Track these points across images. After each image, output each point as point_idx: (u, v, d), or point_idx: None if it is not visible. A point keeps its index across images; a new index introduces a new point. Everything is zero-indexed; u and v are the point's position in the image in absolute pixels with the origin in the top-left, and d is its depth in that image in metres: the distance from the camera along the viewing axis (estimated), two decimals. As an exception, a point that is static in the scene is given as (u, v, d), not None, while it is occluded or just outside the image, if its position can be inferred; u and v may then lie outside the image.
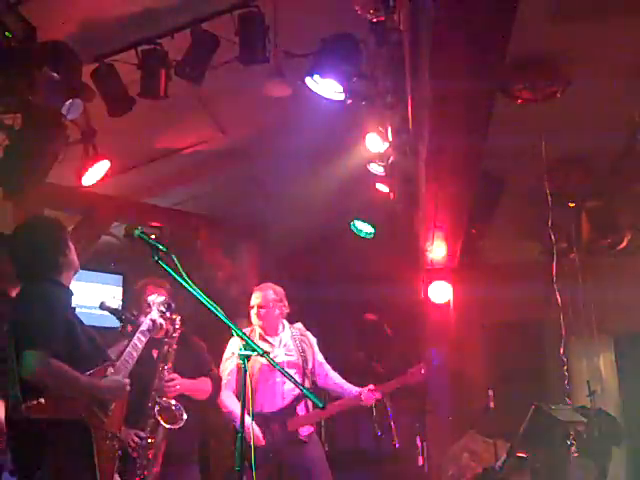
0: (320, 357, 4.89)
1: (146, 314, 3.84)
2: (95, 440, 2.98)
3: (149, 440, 3.87)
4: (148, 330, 3.68)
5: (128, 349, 3.44)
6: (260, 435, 4.44)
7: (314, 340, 4.91)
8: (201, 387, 4.25)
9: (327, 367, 4.90)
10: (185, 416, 3.94)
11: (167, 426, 3.89)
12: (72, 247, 3.33)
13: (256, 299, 4.82)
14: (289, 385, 4.59)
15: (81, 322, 3.24)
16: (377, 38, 3.95)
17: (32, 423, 2.91)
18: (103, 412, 3.07)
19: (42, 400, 2.88)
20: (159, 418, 3.89)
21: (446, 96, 3.46)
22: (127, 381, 3.24)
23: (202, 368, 4.32)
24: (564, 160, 5.66)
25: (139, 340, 3.55)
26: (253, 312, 4.81)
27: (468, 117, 3.69)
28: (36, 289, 3.16)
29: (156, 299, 3.93)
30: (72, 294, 3.28)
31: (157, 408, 3.92)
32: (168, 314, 3.94)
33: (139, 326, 3.73)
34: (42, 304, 3.07)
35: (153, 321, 3.77)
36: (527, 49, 4.15)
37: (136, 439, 3.82)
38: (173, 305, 3.97)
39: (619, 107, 4.74)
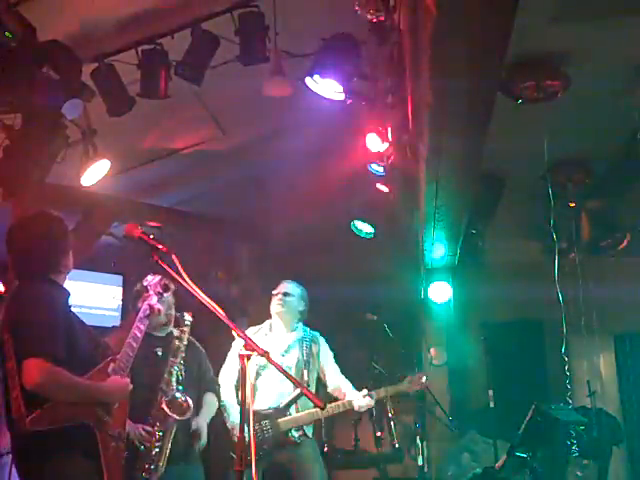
0: (330, 363, 4.86)
1: (144, 299, 3.82)
2: (101, 442, 2.96)
3: (158, 433, 3.87)
4: (146, 317, 3.66)
5: (128, 340, 3.40)
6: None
7: (326, 348, 4.88)
8: (212, 411, 4.32)
9: (337, 372, 4.87)
10: (192, 407, 3.95)
11: (177, 417, 3.90)
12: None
13: (283, 287, 4.84)
14: (287, 386, 4.59)
15: (79, 320, 3.21)
16: (377, 38, 3.94)
17: (37, 433, 2.84)
18: (106, 412, 3.05)
19: (44, 409, 2.83)
20: (167, 410, 3.89)
21: (446, 96, 3.46)
22: (128, 380, 3.21)
23: (204, 378, 4.35)
24: (564, 160, 5.67)
25: (138, 329, 3.51)
26: (276, 299, 4.81)
27: (468, 117, 3.69)
28: (36, 290, 3.09)
29: (152, 280, 3.91)
30: (69, 294, 3.23)
31: (165, 399, 3.92)
32: (166, 295, 3.95)
33: (137, 313, 3.71)
34: (43, 307, 3.01)
35: (151, 307, 3.75)
36: (527, 49, 4.15)
37: (144, 433, 3.83)
38: (171, 286, 3.95)
39: (619, 107, 4.74)
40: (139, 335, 3.49)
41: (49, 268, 3.18)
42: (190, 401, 3.97)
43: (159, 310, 3.85)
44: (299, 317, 4.87)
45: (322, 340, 4.91)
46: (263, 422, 4.54)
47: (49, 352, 2.86)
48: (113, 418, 3.08)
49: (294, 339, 4.79)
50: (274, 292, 4.86)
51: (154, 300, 3.80)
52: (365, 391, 4.69)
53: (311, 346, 4.80)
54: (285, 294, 4.81)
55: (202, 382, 4.31)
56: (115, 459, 3.04)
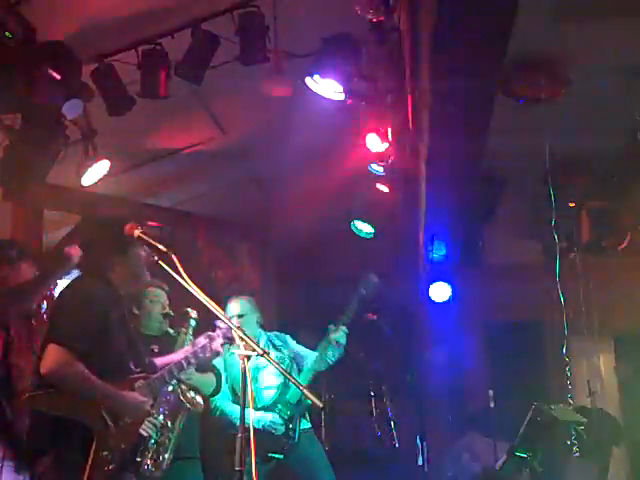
0: (298, 348, 4.87)
1: (209, 337, 3.68)
2: (95, 446, 2.94)
3: (168, 424, 3.80)
4: (202, 355, 3.59)
5: (170, 366, 3.39)
6: (277, 419, 4.52)
7: (287, 337, 4.89)
8: (208, 380, 4.27)
9: (308, 351, 4.88)
10: (202, 402, 3.94)
11: (189, 407, 3.87)
12: (135, 251, 3.25)
13: (235, 307, 4.72)
14: (276, 379, 4.63)
15: (124, 326, 3.22)
16: (377, 38, 3.94)
17: (41, 414, 2.96)
18: (113, 421, 3.02)
19: (46, 393, 2.91)
20: (183, 399, 3.87)
21: (446, 96, 3.46)
22: (146, 400, 3.16)
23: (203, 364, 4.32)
24: (564, 160, 5.66)
25: (187, 361, 3.48)
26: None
27: (468, 117, 3.70)
28: (82, 284, 3.20)
29: (224, 327, 3.66)
30: (118, 294, 3.25)
31: (181, 389, 3.90)
32: (231, 345, 3.75)
33: (194, 345, 3.63)
34: (79, 301, 3.08)
35: (212, 349, 3.62)
36: (527, 49, 4.15)
37: (150, 424, 3.79)
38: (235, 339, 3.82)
39: (619, 107, 4.74)
40: (185, 367, 3.47)
41: (100, 265, 3.23)
42: (201, 400, 3.95)
43: (218, 353, 3.72)
44: (257, 327, 4.81)
45: (281, 333, 4.92)
46: (279, 408, 4.57)
47: (71, 345, 2.91)
48: (120, 430, 3.05)
49: (267, 343, 4.77)
50: (228, 315, 4.65)
51: (218, 343, 3.66)
52: (332, 326, 4.72)
53: (278, 340, 4.81)
54: (239, 316, 4.69)
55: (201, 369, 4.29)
56: (98, 467, 2.97)
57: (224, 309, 4.64)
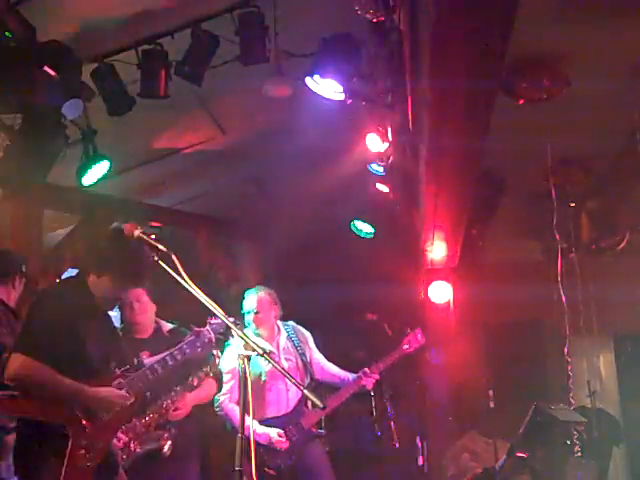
0: (315, 351, 4.86)
1: (198, 334, 3.71)
2: (70, 446, 2.95)
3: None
4: (189, 351, 3.59)
5: (154, 363, 3.39)
6: (281, 438, 4.48)
7: (308, 334, 4.87)
8: (207, 393, 4.28)
9: (322, 360, 4.86)
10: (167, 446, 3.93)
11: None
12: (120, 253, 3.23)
13: (251, 303, 4.68)
14: (293, 391, 4.61)
15: (97, 326, 3.22)
16: (377, 38, 3.95)
17: (19, 423, 3.04)
18: (88, 419, 3.03)
19: (5, 399, 2.94)
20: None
21: (446, 96, 3.46)
22: (123, 394, 3.16)
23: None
24: (564, 160, 5.66)
25: (173, 358, 3.48)
26: (249, 317, 4.65)
27: (468, 117, 3.68)
28: (45, 290, 3.30)
29: (217, 322, 3.68)
30: (93, 297, 3.24)
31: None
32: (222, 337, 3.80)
33: (180, 342, 3.63)
34: (41, 307, 3.12)
35: (201, 344, 3.65)
36: (527, 49, 4.15)
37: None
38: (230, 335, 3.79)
39: (619, 107, 4.73)
40: (170, 364, 3.46)
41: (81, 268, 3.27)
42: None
43: (208, 348, 3.74)
44: (275, 320, 4.77)
45: (303, 329, 4.88)
46: (288, 428, 4.53)
47: (37, 354, 2.93)
48: (97, 427, 3.05)
49: (283, 340, 4.74)
50: (245, 309, 4.67)
51: (207, 338, 3.67)
52: (366, 369, 4.73)
53: (298, 336, 4.77)
54: (256, 311, 4.64)
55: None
56: (77, 467, 2.98)
57: (239, 304, 4.68)
